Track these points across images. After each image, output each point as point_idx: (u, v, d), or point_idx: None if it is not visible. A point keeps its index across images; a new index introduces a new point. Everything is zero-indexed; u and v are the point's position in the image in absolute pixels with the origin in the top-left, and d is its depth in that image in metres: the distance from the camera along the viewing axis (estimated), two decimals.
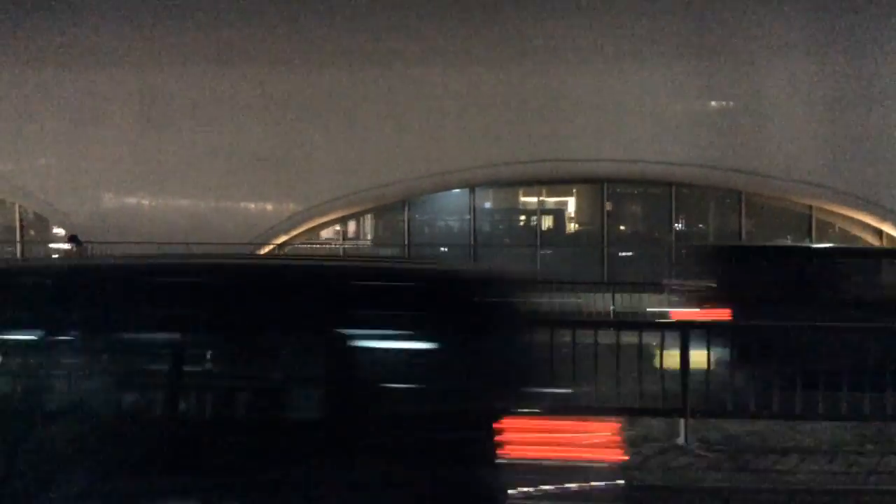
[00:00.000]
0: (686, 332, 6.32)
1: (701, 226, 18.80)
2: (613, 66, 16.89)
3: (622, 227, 18.88)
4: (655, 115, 16.82)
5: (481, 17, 17.23)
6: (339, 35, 17.50)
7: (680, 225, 18.20)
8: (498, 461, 2.65)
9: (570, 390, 3.61)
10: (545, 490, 2.71)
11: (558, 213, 19.59)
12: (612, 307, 14.53)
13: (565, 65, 17.01)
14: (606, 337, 6.85)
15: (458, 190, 18.35)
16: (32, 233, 19.61)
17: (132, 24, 17.85)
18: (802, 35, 16.60)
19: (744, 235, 17.74)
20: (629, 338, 6.69)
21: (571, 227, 19.52)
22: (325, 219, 18.19)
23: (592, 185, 18.31)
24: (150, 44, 17.75)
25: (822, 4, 16.67)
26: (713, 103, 17.31)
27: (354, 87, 17.46)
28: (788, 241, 17.21)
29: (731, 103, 17.13)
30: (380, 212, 18.89)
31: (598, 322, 8.31)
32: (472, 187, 18.19)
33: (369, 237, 19.93)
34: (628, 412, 6.54)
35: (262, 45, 17.54)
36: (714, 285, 8.11)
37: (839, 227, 18.02)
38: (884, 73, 16.42)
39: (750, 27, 16.63)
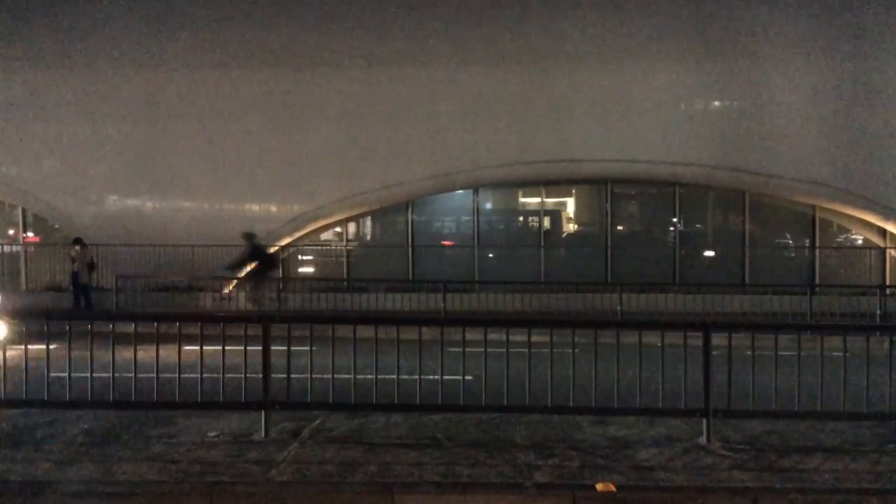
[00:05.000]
0: (708, 332, 6.31)
1: (699, 226, 18.81)
2: (618, 66, 16.93)
3: (626, 227, 18.89)
4: (660, 116, 16.87)
5: (486, 19, 17.27)
6: (343, 37, 17.51)
7: (681, 225, 18.23)
8: None
9: None
10: None
11: (561, 214, 19.59)
12: (619, 307, 14.54)
13: (570, 65, 17.04)
14: (626, 336, 6.87)
15: (461, 191, 18.34)
16: (32, 234, 19.50)
17: (134, 26, 17.85)
18: (807, 35, 16.66)
19: (747, 235, 17.78)
20: (650, 338, 6.70)
21: (574, 227, 19.52)
22: (329, 220, 18.17)
23: (595, 185, 18.32)
24: (152, 45, 17.74)
25: (827, 4, 16.72)
26: (718, 103, 17.32)
27: (358, 89, 17.46)
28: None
29: (736, 103, 17.16)
30: (383, 213, 18.85)
31: (620, 323, 8.25)
32: (476, 188, 18.19)
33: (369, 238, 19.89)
34: (650, 412, 6.55)
35: (265, 47, 17.54)
36: None
37: (837, 226, 18.09)
38: (888, 73, 16.49)
39: (755, 27, 16.67)
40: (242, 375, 6.42)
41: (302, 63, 17.52)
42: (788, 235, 18.29)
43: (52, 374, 6.44)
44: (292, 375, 6.42)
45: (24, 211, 19.05)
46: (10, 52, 18.16)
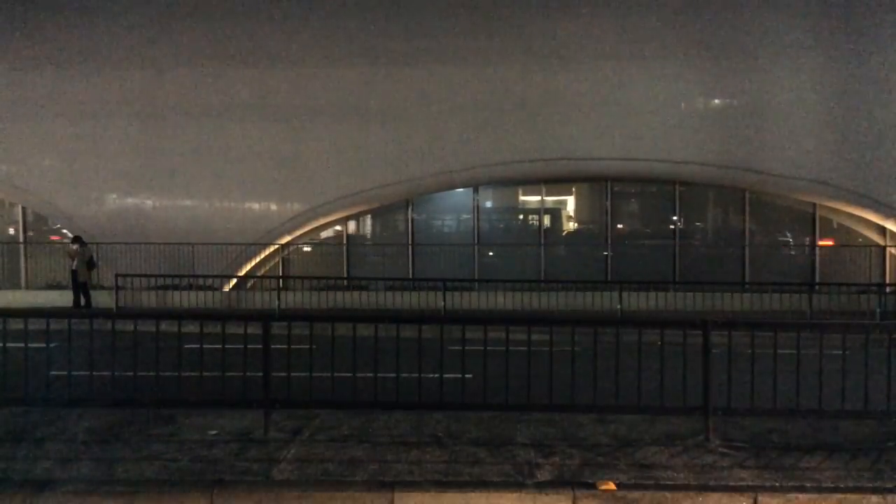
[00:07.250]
0: (708, 330, 6.31)
1: (699, 224, 18.79)
2: (618, 64, 16.92)
3: (626, 226, 18.87)
4: (661, 114, 16.86)
5: (486, 17, 17.25)
6: (343, 35, 17.49)
7: (681, 224, 18.21)
8: None
9: None
10: None
11: (561, 213, 19.59)
12: (619, 306, 14.55)
13: (570, 64, 17.03)
14: (626, 335, 6.87)
15: (461, 189, 18.33)
16: (32, 234, 19.47)
17: (134, 25, 17.83)
18: (807, 34, 16.64)
19: (747, 233, 17.78)
20: (650, 336, 6.69)
21: (574, 225, 19.51)
22: (328, 218, 18.15)
23: (595, 184, 18.32)
24: (152, 44, 17.73)
25: (827, 4, 16.71)
26: (718, 102, 17.31)
27: (358, 87, 17.44)
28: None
29: (737, 102, 17.14)
30: (383, 211, 18.84)
31: (619, 321, 8.23)
32: (476, 186, 18.18)
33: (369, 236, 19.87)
34: (650, 410, 6.55)
35: (265, 46, 17.52)
36: None
37: (837, 224, 18.06)
38: (888, 72, 16.46)
39: (755, 27, 16.66)
40: (243, 374, 6.42)
41: (302, 62, 17.50)
42: (788, 234, 18.29)
43: (53, 373, 6.44)
44: (293, 374, 6.42)
45: (24, 209, 19.04)
46: (10, 51, 18.15)
